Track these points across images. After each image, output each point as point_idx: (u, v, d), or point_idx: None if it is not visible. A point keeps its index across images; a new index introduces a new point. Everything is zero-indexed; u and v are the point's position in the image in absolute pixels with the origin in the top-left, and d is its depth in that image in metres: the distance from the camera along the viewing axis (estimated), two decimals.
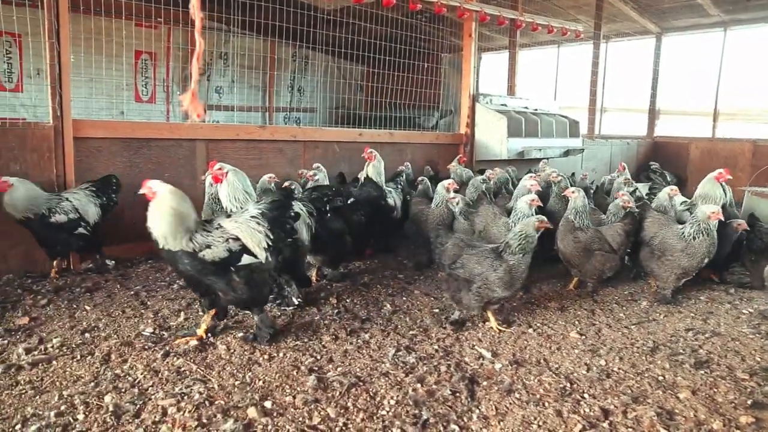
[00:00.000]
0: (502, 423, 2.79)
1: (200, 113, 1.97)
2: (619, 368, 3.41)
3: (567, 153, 8.71)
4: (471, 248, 3.96)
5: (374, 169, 5.54)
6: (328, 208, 4.55)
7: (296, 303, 4.19)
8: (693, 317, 4.33)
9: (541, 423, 2.78)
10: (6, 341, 3.50)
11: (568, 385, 3.18)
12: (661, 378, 3.29)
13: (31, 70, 9.09)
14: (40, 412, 2.72)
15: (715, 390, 3.15)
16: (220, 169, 4.14)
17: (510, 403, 2.96)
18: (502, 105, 8.24)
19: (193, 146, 5.68)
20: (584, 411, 2.91)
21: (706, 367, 3.43)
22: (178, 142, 5.64)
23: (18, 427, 2.60)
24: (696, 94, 11.55)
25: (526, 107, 8.65)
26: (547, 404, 2.97)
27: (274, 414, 2.75)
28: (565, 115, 9.22)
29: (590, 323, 4.15)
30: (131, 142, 5.40)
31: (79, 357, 3.32)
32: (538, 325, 4.07)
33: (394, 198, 5.77)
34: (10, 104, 9.06)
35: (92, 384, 3.00)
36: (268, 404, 2.83)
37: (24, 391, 2.92)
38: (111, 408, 2.76)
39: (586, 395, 3.07)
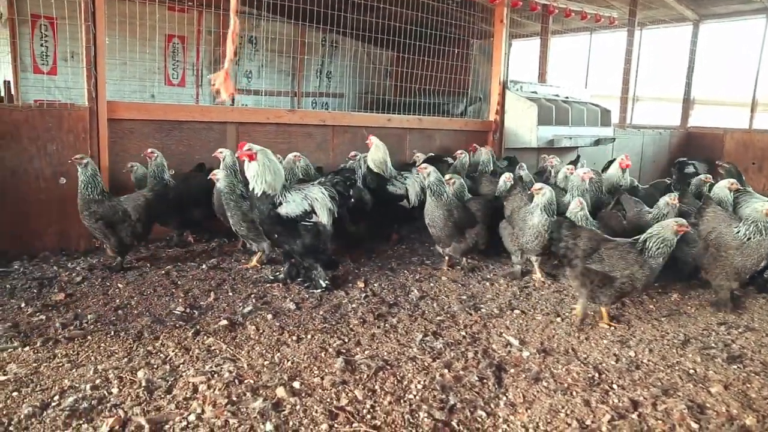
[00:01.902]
0: (529, 411, 2.78)
1: (231, 92, 1.97)
2: (648, 360, 3.36)
3: (598, 142, 8.56)
4: (608, 242, 3.82)
5: (371, 155, 5.50)
6: (351, 193, 4.53)
7: (323, 285, 4.22)
8: (718, 305, 4.24)
9: (568, 412, 2.76)
10: (44, 316, 3.60)
11: (597, 375, 3.15)
12: (692, 371, 3.24)
13: (66, 53, 9.24)
14: (77, 385, 2.79)
15: (749, 385, 3.09)
16: (249, 149, 4.10)
17: (537, 391, 2.95)
18: (532, 92, 8.12)
19: (223, 129, 5.73)
20: (613, 401, 2.88)
21: (739, 362, 3.36)
22: (209, 125, 5.69)
23: (56, 398, 2.68)
24: (733, 83, 11.23)
25: (557, 95, 8.51)
26: (574, 393, 2.94)
27: (303, 394, 2.79)
28: (597, 103, 9.05)
29: (619, 314, 4.10)
30: (163, 124, 5.47)
31: (112, 333, 3.40)
32: (567, 314, 4.04)
33: (406, 186, 5.61)
34: (45, 87, 9.24)
35: (125, 359, 3.08)
36: (296, 384, 2.87)
37: (61, 364, 3.00)
38: (144, 383, 2.82)
39: (614, 386, 3.04)
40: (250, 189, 4.10)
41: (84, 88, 5.00)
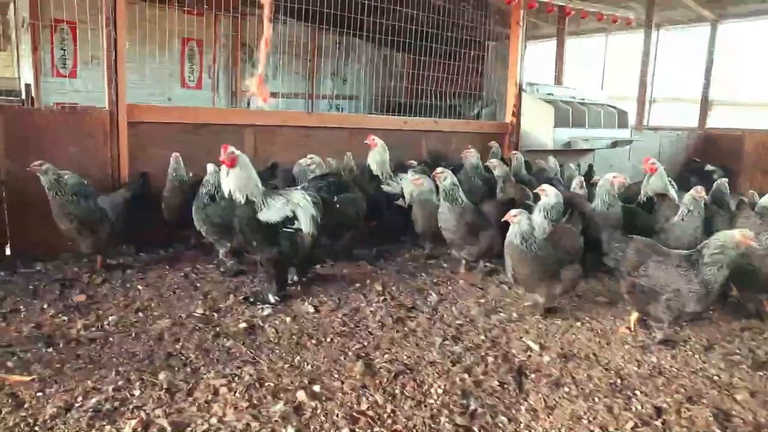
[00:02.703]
0: (551, 416, 2.75)
1: (266, 97, 1.98)
2: (671, 366, 3.32)
3: (615, 144, 8.50)
4: (658, 254, 3.60)
5: (375, 157, 5.45)
6: (336, 198, 4.33)
7: (272, 301, 3.99)
8: (749, 316, 4.18)
9: (591, 418, 2.74)
10: (66, 317, 3.64)
11: (619, 381, 3.12)
12: (716, 378, 3.19)
13: (86, 57, 9.35)
14: (99, 386, 2.81)
15: None
16: (232, 153, 3.85)
17: (559, 397, 2.93)
18: (548, 94, 8.08)
19: (241, 132, 5.76)
20: (636, 408, 2.85)
21: (765, 369, 3.31)
22: (227, 127, 5.72)
23: (80, 398, 2.70)
24: (752, 84, 11.09)
25: (574, 97, 8.46)
26: (597, 400, 2.92)
27: (323, 398, 2.78)
28: (614, 105, 8.98)
29: (640, 319, 4.05)
30: (182, 127, 5.51)
31: (133, 335, 3.43)
32: (587, 319, 4.00)
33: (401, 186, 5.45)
34: (64, 90, 9.36)
35: (147, 361, 3.09)
36: (316, 388, 2.87)
37: (84, 365, 3.03)
38: (165, 385, 2.84)
39: (637, 392, 3.00)
40: (227, 194, 3.91)
41: (104, 92, 5.05)
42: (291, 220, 3.97)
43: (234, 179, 3.84)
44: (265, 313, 3.81)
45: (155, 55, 8.83)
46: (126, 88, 5.13)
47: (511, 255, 3.87)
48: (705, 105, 10.99)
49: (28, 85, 8.60)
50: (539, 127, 7.62)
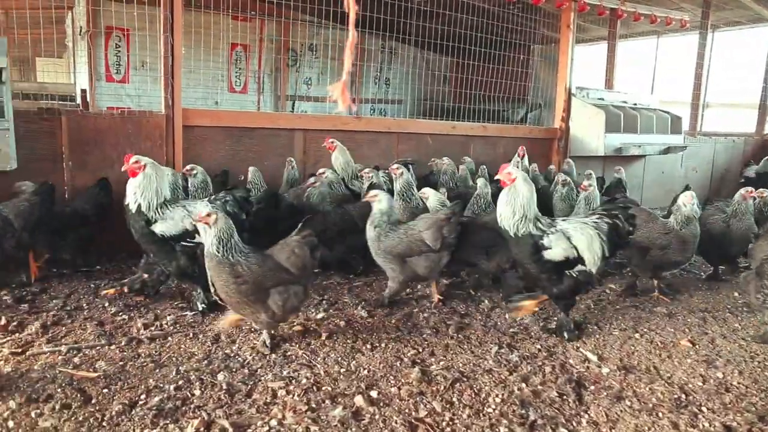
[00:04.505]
0: (613, 431, 2.68)
1: (348, 103, 1.98)
2: (739, 383, 3.18)
3: (667, 150, 8.24)
4: None
5: (338, 159, 5.37)
6: (247, 213, 4.04)
7: (200, 308, 3.85)
8: None
9: None
10: (126, 316, 3.74)
11: (683, 396, 3.01)
12: None
13: (137, 62, 9.63)
14: (161, 385, 2.87)
15: None
16: (137, 162, 3.68)
17: (621, 411, 2.84)
18: (599, 99, 7.90)
19: (291, 136, 5.83)
20: (703, 425, 2.74)
21: None
22: (277, 131, 5.80)
23: (143, 396, 2.76)
24: None
25: (625, 101, 8.26)
26: (661, 415, 2.82)
27: (381, 404, 2.77)
28: (667, 110, 8.73)
29: (702, 332, 3.91)
30: (234, 131, 5.61)
31: (191, 335, 3.49)
32: (645, 330, 3.88)
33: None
34: (117, 94, 9.65)
35: (205, 362, 3.14)
36: (374, 393, 2.86)
37: (145, 363, 3.10)
38: (224, 386, 2.88)
39: (704, 408, 2.89)
40: (125, 203, 3.74)
41: (154, 96, 5.18)
42: (191, 233, 3.71)
43: (131, 188, 3.70)
44: (319, 316, 3.83)
45: (204, 60, 9.02)
46: (182, 92, 5.26)
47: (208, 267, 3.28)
48: (764, 110, 10.56)
49: (83, 90, 8.90)
50: (589, 133, 7.46)
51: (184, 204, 3.84)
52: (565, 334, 3.68)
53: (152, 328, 3.56)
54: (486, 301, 4.28)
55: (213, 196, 4.00)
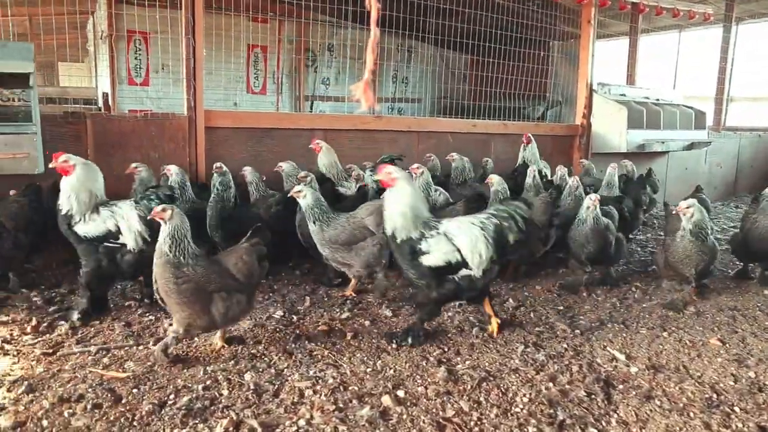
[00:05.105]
0: (644, 430, 2.64)
1: (371, 103, 1.98)
2: None
3: (691, 146, 8.11)
4: None
5: (323, 160, 5.34)
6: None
7: (75, 318, 3.67)
8: None
9: None
10: (153, 316, 3.78)
11: (715, 396, 2.96)
12: None
13: (158, 65, 9.73)
14: (189, 385, 2.89)
15: None
16: (66, 161, 3.60)
17: (650, 410, 2.80)
18: (621, 95, 7.81)
19: (311, 135, 5.83)
20: (736, 426, 2.69)
21: None
22: (297, 132, 5.82)
23: (172, 396, 2.78)
24: None
25: (647, 97, 8.14)
26: (692, 415, 2.77)
27: (408, 403, 2.77)
28: (690, 105, 8.59)
29: (732, 330, 3.84)
30: (255, 132, 5.64)
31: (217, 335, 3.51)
32: (673, 329, 3.83)
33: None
34: (138, 97, 9.76)
35: (232, 362, 3.16)
36: (400, 393, 2.85)
37: (174, 363, 3.12)
38: (252, 386, 2.89)
39: (736, 408, 2.84)
40: (58, 204, 3.67)
41: (174, 98, 5.22)
42: (114, 234, 3.67)
43: (64, 189, 3.65)
44: (344, 316, 3.84)
45: (223, 61, 9.09)
46: (203, 94, 5.30)
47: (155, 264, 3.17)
48: None
49: (105, 94, 9.03)
50: (612, 129, 7.38)
51: (110, 204, 3.77)
52: (410, 339, 3.41)
53: None
54: (510, 300, 4.25)
55: (139, 196, 3.90)
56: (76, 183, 3.64)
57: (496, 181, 4.89)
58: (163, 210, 3.08)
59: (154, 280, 3.15)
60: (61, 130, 4.78)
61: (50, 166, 3.68)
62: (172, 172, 4.73)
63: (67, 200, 3.63)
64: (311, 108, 11.09)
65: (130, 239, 3.67)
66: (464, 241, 3.34)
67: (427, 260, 3.31)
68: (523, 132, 6.55)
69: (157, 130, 5.11)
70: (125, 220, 3.68)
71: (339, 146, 5.84)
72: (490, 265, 3.41)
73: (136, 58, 9.85)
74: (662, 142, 7.70)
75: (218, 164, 4.68)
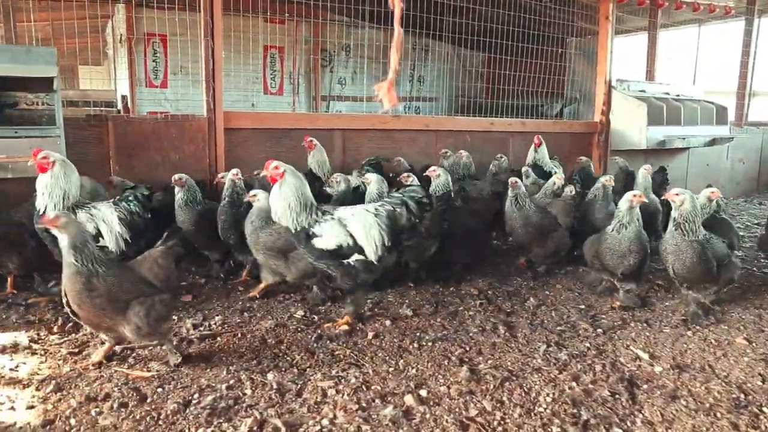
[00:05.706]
0: (669, 431, 2.61)
1: (394, 102, 1.98)
2: None
3: (713, 142, 8.01)
4: None
5: (315, 158, 5.30)
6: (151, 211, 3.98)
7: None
8: None
9: None
10: (175, 316, 3.81)
11: (742, 396, 2.91)
12: None
13: (177, 67, 9.82)
14: (213, 384, 2.92)
15: None
16: (45, 158, 3.54)
17: (676, 410, 2.77)
18: (640, 91, 7.73)
19: (330, 135, 5.87)
20: (765, 426, 2.65)
21: None
22: (316, 132, 5.83)
23: (196, 396, 2.81)
24: None
25: (667, 93, 8.05)
26: (719, 415, 2.73)
27: (431, 403, 2.76)
28: (711, 101, 8.47)
29: (758, 329, 3.78)
30: (274, 132, 5.68)
31: (239, 335, 3.54)
32: (697, 328, 3.78)
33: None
34: (156, 99, 9.87)
35: (254, 361, 3.18)
36: (423, 393, 2.85)
37: (197, 363, 3.15)
38: (274, 386, 2.90)
39: (765, 409, 2.79)
40: (35, 205, 3.62)
41: (192, 100, 5.27)
42: (94, 237, 3.58)
43: (39, 187, 3.60)
44: (364, 315, 3.84)
45: (240, 63, 9.16)
46: (222, 95, 5.34)
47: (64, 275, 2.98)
48: None
49: (124, 96, 9.14)
50: (631, 126, 7.30)
51: (90, 206, 3.72)
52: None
53: (201, 328, 3.63)
54: (531, 299, 4.23)
55: (117, 197, 3.87)
56: (53, 182, 3.57)
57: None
58: (56, 217, 2.89)
59: (63, 293, 2.93)
60: (84, 133, 4.86)
61: (29, 164, 3.61)
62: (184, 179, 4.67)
63: (46, 201, 3.56)
64: (327, 108, 11.12)
65: (111, 241, 3.67)
66: (357, 227, 3.54)
67: (318, 243, 3.50)
68: (540, 130, 6.52)
69: (178, 132, 5.17)
70: (106, 223, 3.68)
71: (358, 146, 5.87)
72: (386, 251, 3.59)
73: (154, 61, 9.96)
74: (683, 138, 7.61)
75: (221, 174, 4.69)
